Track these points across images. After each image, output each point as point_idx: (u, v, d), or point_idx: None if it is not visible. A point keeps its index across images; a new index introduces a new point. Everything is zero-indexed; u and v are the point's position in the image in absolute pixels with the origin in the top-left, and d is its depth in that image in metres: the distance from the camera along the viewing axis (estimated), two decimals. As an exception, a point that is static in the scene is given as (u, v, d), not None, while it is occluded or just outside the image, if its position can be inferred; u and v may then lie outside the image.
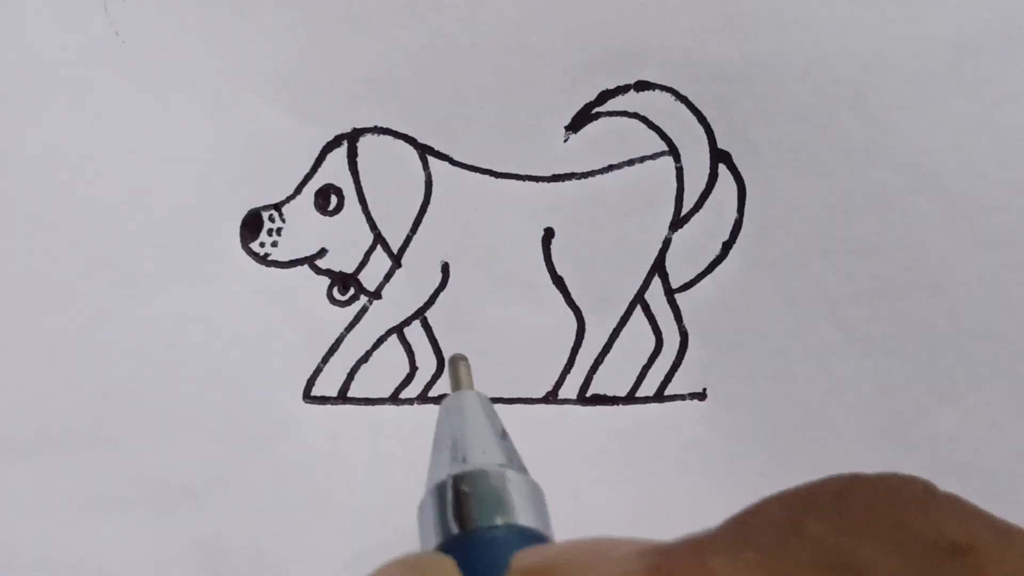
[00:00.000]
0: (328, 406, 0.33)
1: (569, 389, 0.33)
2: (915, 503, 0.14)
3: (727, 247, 0.32)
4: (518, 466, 0.24)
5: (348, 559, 0.33)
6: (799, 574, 0.12)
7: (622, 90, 0.31)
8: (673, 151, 0.32)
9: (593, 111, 0.32)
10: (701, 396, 0.33)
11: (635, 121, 0.32)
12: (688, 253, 0.32)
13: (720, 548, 0.13)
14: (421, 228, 0.33)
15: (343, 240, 0.33)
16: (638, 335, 0.33)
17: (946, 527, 0.13)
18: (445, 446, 0.24)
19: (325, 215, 0.33)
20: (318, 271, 0.33)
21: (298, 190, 0.33)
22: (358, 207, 0.33)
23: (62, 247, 0.33)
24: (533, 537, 0.21)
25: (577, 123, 0.32)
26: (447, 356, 0.33)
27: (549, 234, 0.33)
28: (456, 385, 0.27)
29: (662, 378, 0.33)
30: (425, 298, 0.33)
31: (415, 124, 0.32)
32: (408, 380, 0.33)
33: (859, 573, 0.12)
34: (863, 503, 0.13)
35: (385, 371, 0.33)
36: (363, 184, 0.33)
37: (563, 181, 0.32)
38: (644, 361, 0.33)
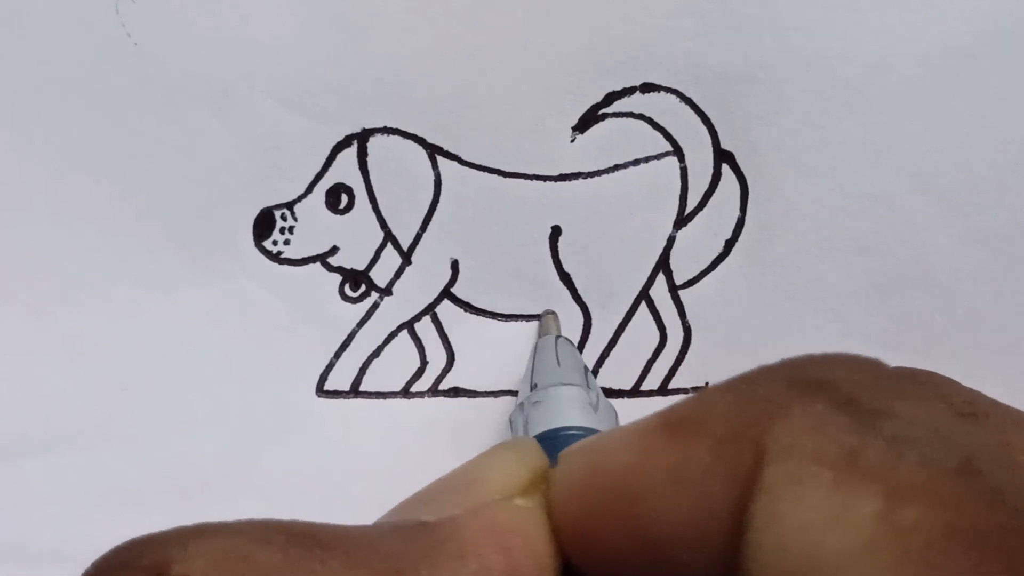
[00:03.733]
0: (341, 400, 0.34)
1: (575, 382, 0.34)
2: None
3: (730, 245, 0.33)
4: (585, 385, 0.28)
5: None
6: (766, 388, 0.13)
7: (628, 92, 0.32)
8: (677, 151, 0.33)
9: (599, 112, 0.32)
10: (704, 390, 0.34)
11: (640, 122, 0.32)
12: (692, 250, 0.33)
13: (717, 385, 0.14)
14: (431, 226, 0.34)
15: (354, 238, 0.34)
16: (643, 330, 0.34)
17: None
18: (531, 374, 0.30)
19: (336, 214, 0.34)
20: (330, 268, 0.34)
21: (309, 189, 0.33)
22: (368, 206, 0.34)
23: (78, 246, 0.33)
24: (587, 432, 0.23)
25: (584, 124, 0.32)
26: (457, 350, 0.34)
27: (556, 232, 0.33)
28: (547, 332, 0.33)
29: (666, 372, 0.34)
30: (435, 294, 0.34)
31: (424, 124, 0.33)
32: (419, 374, 0.34)
33: (823, 387, 0.13)
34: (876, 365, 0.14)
35: (396, 365, 0.34)
36: (373, 183, 0.33)
37: (570, 180, 0.33)
38: (649, 356, 0.34)
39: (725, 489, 0.12)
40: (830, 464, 0.11)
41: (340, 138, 0.33)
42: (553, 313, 0.34)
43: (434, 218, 0.33)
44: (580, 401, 0.27)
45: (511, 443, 0.16)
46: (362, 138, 0.33)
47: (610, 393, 0.34)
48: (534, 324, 0.34)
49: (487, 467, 0.15)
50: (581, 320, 0.34)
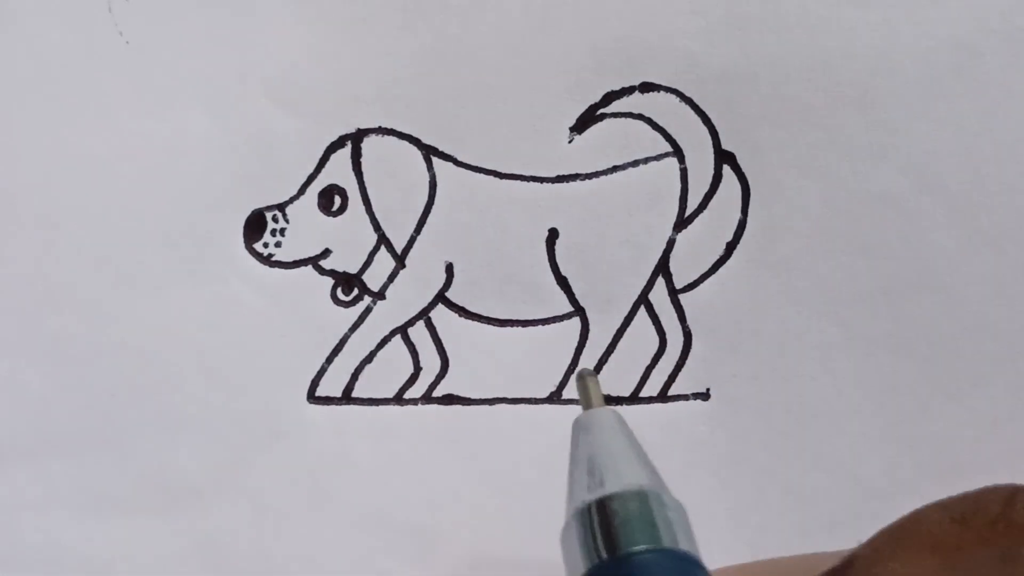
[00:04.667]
0: (332, 406, 0.33)
1: (573, 389, 0.33)
2: None
3: (731, 247, 0.32)
4: (660, 485, 0.23)
5: (353, 558, 0.33)
6: (973, 559, 0.13)
7: (627, 91, 0.32)
8: (677, 152, 0.32)
9: (598, 112, 0.32)
10: (704, 396, 0.33)
11: (640, 122, 0.32)
12: (692, 253, 0.33)
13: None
14: (425, 229, 0.33)
15: (347, 241, 0.33)
16: (642, 335, 0.33)
17: None
18: (583, 467, 0.24)
19: (329, 215, 0.33)
20: (322, 272, 0.33)
21: (302, 190, 0.33)
22: (362, 208, 0.33)
23: (67, 248, 0.33)
24: (685, 560, 0.21)
25: (582, 124, 0.32)
26: (451, 356, 0.33)
27: (553, 235, 0.33)
28: (587, 403, 0.26)
29: (666, 378, 0.33)
30: (429, 298, 0.33)
31: (419, 125, 0.32)
32: (412, 380, 0.34)
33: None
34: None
35: (389, 371, 0.33)
36: (367, 185, 0.33)
37: (567, 182, 0.32)
38: (648, 361, 0.33)
39: None
40: None
41: (334, 138, 0.33)
42: (592, 374, 0.27)
43: (429, 220, 0.33)
44: (667, 510, 0.22)
45: None
46: (356, 138, 0.33)
47: (608, 400, 0.33)
48: (530, 330, 0.33)
49: None
50: (579, 325, 0.33)
